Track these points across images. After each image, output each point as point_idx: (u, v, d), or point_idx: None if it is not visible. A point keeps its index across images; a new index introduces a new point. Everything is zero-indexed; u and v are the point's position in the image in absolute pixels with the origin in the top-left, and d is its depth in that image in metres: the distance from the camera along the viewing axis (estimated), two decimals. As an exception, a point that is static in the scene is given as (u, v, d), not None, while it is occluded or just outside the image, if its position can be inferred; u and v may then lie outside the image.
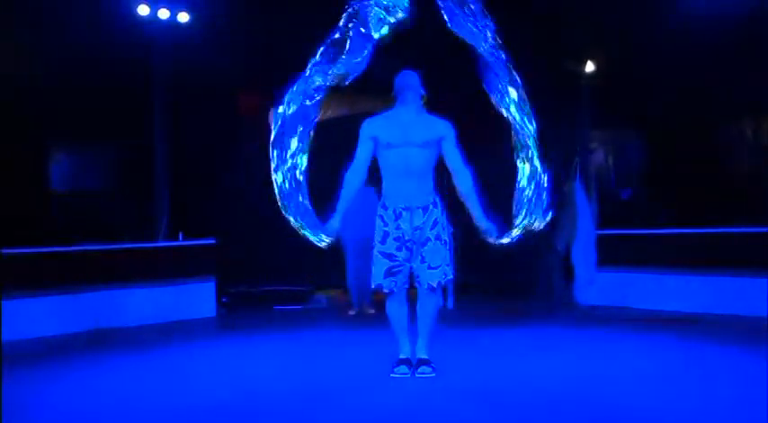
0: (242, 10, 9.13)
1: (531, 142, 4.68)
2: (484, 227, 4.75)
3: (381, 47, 4.82)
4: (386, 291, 4.85)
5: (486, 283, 9.37)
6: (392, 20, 4.73)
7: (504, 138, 4.80)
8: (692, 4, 8.33)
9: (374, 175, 5.13)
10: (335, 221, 4.83)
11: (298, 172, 4.83)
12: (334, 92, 4.99)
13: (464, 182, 4.80)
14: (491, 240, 4.74)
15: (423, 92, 4.88)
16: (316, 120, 4.90)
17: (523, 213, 4.69)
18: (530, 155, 4.70)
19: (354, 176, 4.91)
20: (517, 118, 4.69)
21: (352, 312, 8.41)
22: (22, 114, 8.25)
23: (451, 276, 4.90)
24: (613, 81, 9.28)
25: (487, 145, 5.77)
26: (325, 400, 4.32)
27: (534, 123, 4.70)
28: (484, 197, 4.82)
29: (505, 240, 4.72)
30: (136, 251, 8.23)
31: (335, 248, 8.48)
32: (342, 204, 4.87)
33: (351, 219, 8.19)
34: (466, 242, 7.63)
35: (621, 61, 9.31)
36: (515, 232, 4.72)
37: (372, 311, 8.16)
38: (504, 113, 4.72)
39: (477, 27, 4.64)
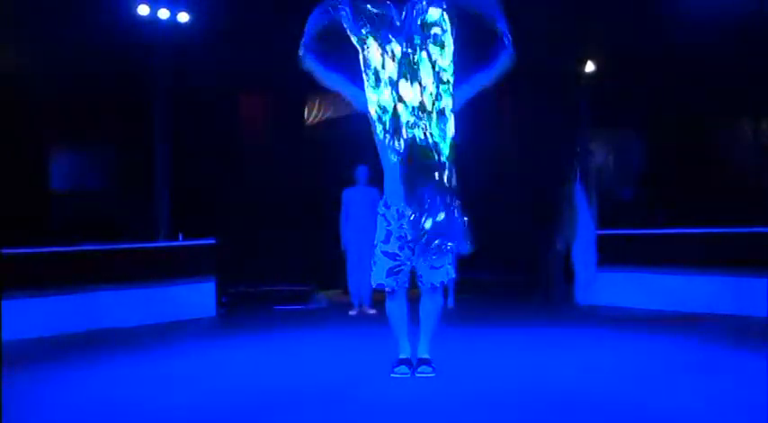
0: (242, 10, 9.14)
1: None
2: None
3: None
4: (387, 290, 4.85)
5: (486, 283, 9.38)
6: None
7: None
8: (692, 4, 8.33)
9: (375, 176, 5.13)
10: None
11: None
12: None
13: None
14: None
15: None
16: None
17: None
18: None
19: None
20: None
21: (352, 312, 8.41)
22: (23, 114, 8.25)
23: (453, 276, 4.91)
24: (613, 81, 9.28)
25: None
26: (325, 400, 4.32)
27: None
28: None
29: None
30: (136, 251, 8.22)
31: (335, 249, 8.53)
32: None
33: (351, 219, 8.28)
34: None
35: (621, 61, 9.31)
36: None
37: (373, 312, 8.16)
38: None
39: None
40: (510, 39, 4.66)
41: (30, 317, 7.02)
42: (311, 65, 4.75)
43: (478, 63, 4.73)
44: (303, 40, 4.71)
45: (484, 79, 4.76)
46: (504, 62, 4.72)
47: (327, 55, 4.75)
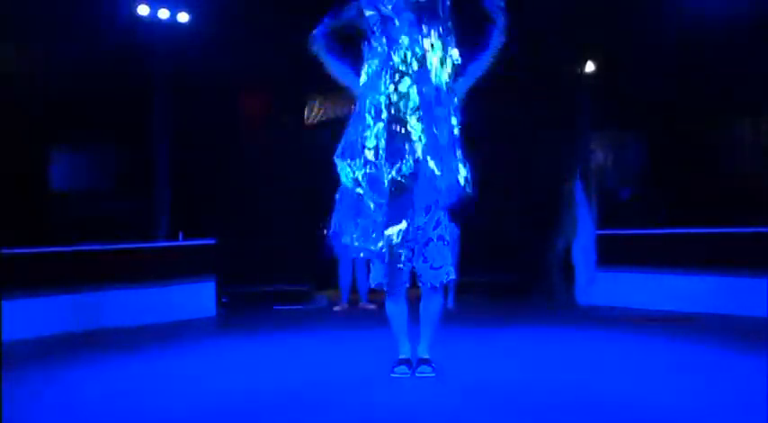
0: (242, 10, 9.14)
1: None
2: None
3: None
4: (386, 290, 4.85)
5: (486, 283, 9.38)
6: None
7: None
8: (692, 4, 8.34)
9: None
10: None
11: None
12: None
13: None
14: None
15: None
16: None
17: None
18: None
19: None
20: None
21: (337, 308, 8.50)
22: (23, 114, 8.25)
23: (454, 276, 4.90)
24: (613, 81, 9.28)
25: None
26: (324, 401, 4.32)
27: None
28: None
29: None
30: (136, 251, 8.23)
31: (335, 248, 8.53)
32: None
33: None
34: (468, 241, 7.66)
35: (621, 61, 9.31)
36: None
37: (372, 308, 8.19)
38: None
39: None
40: (502, 7, 4.65)
41: (30, 317, 7.01)
42: (320, 48, 4.77)
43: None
44: (320, 25, 4.74)
45: (479, 69, 4.77)
46: (495, 42, 4.73)
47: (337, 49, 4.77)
